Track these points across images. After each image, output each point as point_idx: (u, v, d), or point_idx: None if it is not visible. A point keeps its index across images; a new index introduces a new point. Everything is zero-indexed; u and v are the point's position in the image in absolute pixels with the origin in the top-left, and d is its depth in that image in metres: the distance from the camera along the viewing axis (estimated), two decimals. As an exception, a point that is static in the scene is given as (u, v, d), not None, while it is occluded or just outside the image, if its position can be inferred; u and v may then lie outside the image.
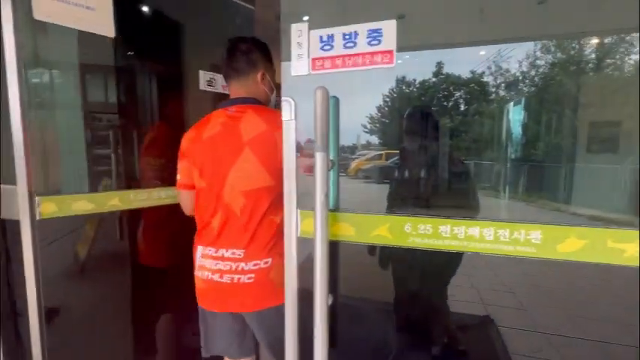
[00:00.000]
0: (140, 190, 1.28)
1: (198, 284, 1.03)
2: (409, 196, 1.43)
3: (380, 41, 0.67)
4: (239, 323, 1.04)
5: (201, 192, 1.01)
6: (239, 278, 0.95)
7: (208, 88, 1.50)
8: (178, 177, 1.06)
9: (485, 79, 1.81)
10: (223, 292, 0.97)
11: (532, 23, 0.83)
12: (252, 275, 0.95)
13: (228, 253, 0.96)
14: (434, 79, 1.83)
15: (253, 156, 0.94)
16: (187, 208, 1.09)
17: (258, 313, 0.98)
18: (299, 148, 0.75)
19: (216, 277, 0.97)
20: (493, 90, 1.96)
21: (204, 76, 1.48)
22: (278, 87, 0.96)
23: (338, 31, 0.71)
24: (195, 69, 1.47)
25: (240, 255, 0.95)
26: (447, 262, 1.40)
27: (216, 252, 0.98)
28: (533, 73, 1.89)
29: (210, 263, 0.98)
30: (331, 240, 0.73)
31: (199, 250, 1.02)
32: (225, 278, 0.96)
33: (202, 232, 1.02)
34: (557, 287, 2.00)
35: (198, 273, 1.02)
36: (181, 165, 1.05)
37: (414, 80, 1.88)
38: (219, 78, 1.51)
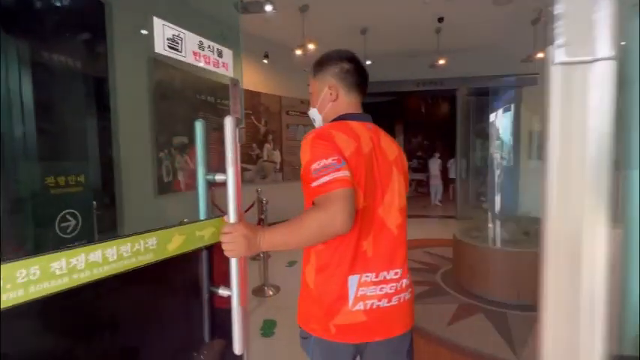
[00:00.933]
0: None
1: (357, 318, 0.89)
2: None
3: None
4: (401, 344, 0.99)
5: (358, 212, 0.87)
6: (404, 297, 0.96)
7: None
8: (341, 174, 0.80)
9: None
10: (391, 315, 0.94)
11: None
12: (410, 290, 1.00)
13: (390, 275, 0.94)
14: None
15: (399, 175, 1.00)
16: (352, 215, 0.79)
17: (410, 331, 1.00)
18: None
19: (383, 302, 0.92)
20: None
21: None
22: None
23: None
24: None
25: (399, 273, 0.95)
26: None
27: (376, 277, 0.92)
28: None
29: (374, 290, 0.91)
30: None
31: (354, 280, 0.90)
32: (394, 300, 0.94)
33: (354, 257, 0.89)
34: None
35: (357, 306, 0.89)
36: (343, 164, 0.83)
37: None
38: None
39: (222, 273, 0.89)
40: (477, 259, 3.00)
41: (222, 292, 0.90)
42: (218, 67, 0.89)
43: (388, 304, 0.92)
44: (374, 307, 0.90)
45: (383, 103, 8.85)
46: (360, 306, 0.89)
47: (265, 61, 5.57)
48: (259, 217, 3.28)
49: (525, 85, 6.53)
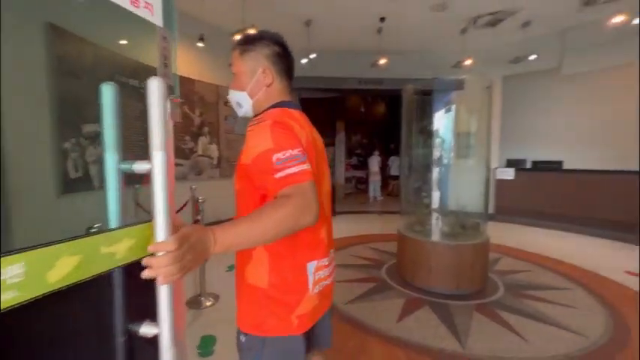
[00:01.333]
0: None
1: (311, 303, 0.91)
2: None
3: None
4: (329, 313, 1.04)
5: None
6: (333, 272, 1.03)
7: None
8: (307, 167, 0.78)
9: None
10: (329, 290, 1.00)
11: None
12: (334, 264, 1.04)
13: (331, 254, 1.00)
14: None
15: (325, 162, 1.05)
16: (319, 207, 0.77)
17: None
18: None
19: (327, 281, 0.97)
20: None
21: None
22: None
23: None
24: None
25: (332, 252, 1.02)
26: None
27: (327, 259, 0.97)
28: None
29: (325, 272, 0.95)
30: None
31: (312, 266, 0.91)
32: (332, 277, 1.00)
33: (313, 244, 0.92)
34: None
35: (314, 290, 0.91)
36: (306, 157, 0.81)
37: None
38: None
39: (143, 303, 0.63)
40: (419, 253, 3.07)
41: (146, 330, 0.63)
42: (138, 8, 0.61)
43: (328, 281, 0.98)
44: (322, 287, 0.94)
45: (325, 100, 8.84)
46: (316, 289, 0.92)
47: (200, 44, 5.03)
48: (194, 218, 2.89)
49: (455, 89, 7.11)
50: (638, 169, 5.16)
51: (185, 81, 5.13)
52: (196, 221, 2.84)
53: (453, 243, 2.96)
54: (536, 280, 3.38)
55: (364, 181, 11.81)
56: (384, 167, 9.85)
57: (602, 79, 6.47)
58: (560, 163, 6.50)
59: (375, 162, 9.69)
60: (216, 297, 2.91)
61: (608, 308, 2.76)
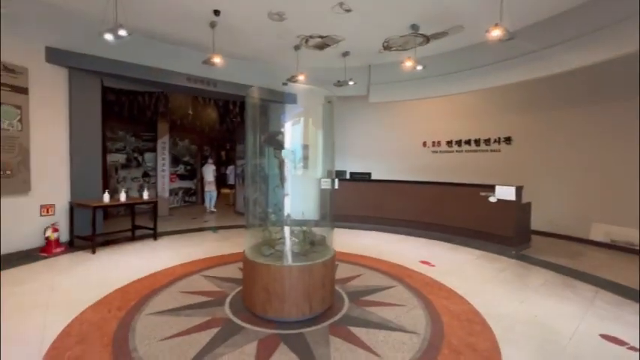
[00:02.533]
0: None
1: None
2: None
3: None
4: None
5: None
6: None
7: None
8: None
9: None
10: None
11: None
12: None
13: None
14: None
15: None
16: None
17: None
18: None
19: None
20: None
21: None
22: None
23: None
24: None
25: None
26: None
27: None
28: None
29: None
30: None
31: None
32: None
33: None
34: None
35: None
36: None
37: None
38: None
39: None
40: (274, 280, 2.69)
41: None
42: None
43: None
44: None
45: (143, 95, 7.17)
46: None
47: None
48: None
49: (288, 102, 7.32)
50: (423, 180, 6.89)
51: None
52: None
53: (307, 264, 2.75)
54: (368, 283, 3.69)
55: (193, 193, 10.49)
56: (219, 176, 9.36)
57: (398, 108, 8.38)
58: (369, 174, 7.85)
59: (210, 171, 9.22)
60: None
61: (421, 299, 3.29)
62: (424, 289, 3.54)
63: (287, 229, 3.11)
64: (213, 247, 5.24)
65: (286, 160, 3.14)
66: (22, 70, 4.50)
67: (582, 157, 6.03)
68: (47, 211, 4.84)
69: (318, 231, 3.30)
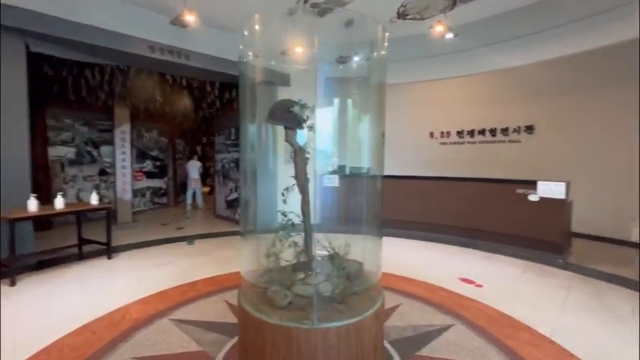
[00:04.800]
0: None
1: None
2: None
3: None
4: None
5: None
6: None
7: None
8: None
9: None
10: None
11: None
12: None
13: None
14: None
15: None
16: None
17: None
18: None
19: None
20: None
21: None
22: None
23: None
24: None
25: None
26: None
27: None
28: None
29: None
30: None
31: None
32: None
33: None
34: None
35: None
36: None
37: None
38: None
39: None
40: (294, 352, 1.54)
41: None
42: None
43: None
44: None
45: (96, 68, 5.68)
46: None
47: None
48: None
49: (278, 83, 6.09)
50: (439, 175, 5.94)
51: None
52: None
53: (352, 321, 1.62)
54: (413, 320, 2.62)
55: (164, 194, 9.01)
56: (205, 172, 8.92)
57: (403, 93, 7.35)
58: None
59: (195, 168, 8.79)
60: None
61: (500, 347, 2.26)
62: (495, 330, 2.51)
63: (314, 256, 1.95)
64: (188, 267, 3.96)
65: (304, 147, 1.97)
66: None
67: (620, 146, 5.27)
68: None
69: (336, 242, 2.16)
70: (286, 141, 2.02)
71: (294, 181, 2.02)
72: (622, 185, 5.21)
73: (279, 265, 2.08)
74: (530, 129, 6.30)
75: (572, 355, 2.20)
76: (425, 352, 2.21)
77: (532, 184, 4.53)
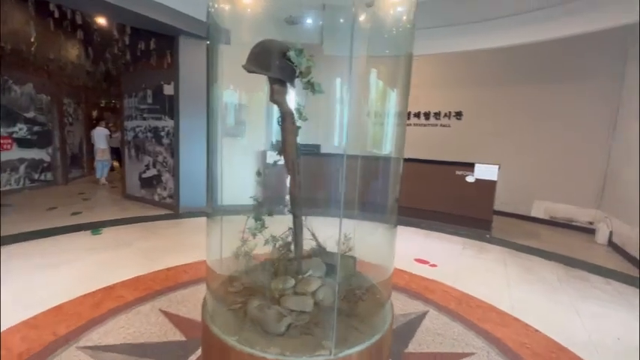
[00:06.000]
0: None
1: None
2: None
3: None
4: None
5: None
6: None
7: None
8: None
9: None
10: None
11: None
12: None
13: None
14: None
15: None
16: None
17: None
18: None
19: None
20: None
21: None
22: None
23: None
24: None
25: None
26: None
27: None
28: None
29: None
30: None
31: None
32: None
33: None
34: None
35: None
36: None
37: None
38: None
39: None
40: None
41: None
42: None
43: None
44: None
45: None
46: None
47: None
48: None
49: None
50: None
51: None
52: None
53: (373, 340, 1.25)
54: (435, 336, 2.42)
55: (48, 168, 7.04)
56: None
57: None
58: (318, 146, 6.44)
59: (102, 136, 7.57)
60: None
61: (478, 332, 2.23)
62: (466, 313, 2.50)
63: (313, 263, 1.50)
64: (97, 266, 3.02)
65: (301, 111, 1.47)
66: None
67: (528, 135, 6.05)
68: None
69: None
70: (272, 100, 1.46)
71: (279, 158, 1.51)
72: (526, 168, 6.03)
73: (252, 266, 1.59)
74: (459, 115, 6.77)
75: (536, 330, 2.31)
76: (412, 347, 2.03)
77: (470, 167, 4.83)
